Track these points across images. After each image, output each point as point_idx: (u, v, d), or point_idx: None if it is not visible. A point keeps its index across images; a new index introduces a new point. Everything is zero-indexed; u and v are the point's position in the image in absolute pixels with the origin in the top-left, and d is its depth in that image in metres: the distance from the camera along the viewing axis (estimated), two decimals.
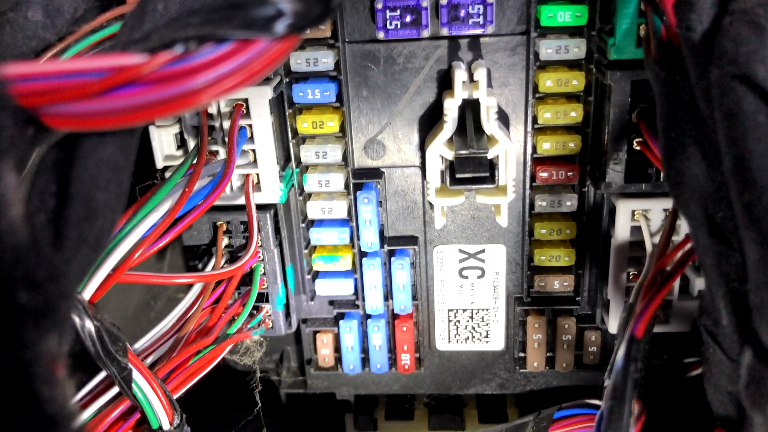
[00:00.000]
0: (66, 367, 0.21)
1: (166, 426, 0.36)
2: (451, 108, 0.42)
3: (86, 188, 0.23)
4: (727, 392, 0.33)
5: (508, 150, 0.42)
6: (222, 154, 0.43)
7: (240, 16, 0.22)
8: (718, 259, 0.30)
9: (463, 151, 0.41)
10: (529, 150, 0.46)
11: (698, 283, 0.46)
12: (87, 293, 0.34)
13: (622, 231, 0.44)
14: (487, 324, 0.52)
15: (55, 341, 0.20)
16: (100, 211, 0.23)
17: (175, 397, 0.39)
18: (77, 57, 0.36)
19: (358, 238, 0.48)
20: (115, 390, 0.36)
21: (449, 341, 0.53)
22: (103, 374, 0.36)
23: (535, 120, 0.45)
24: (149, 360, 0.40)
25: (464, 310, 0.51)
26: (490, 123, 0.42)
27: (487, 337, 0.52)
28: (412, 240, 0.50)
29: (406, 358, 0.52)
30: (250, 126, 0.43)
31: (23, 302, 0.19)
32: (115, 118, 0.22)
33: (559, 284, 0.49)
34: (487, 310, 0.51)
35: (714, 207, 0.29)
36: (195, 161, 0.39)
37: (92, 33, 0.37)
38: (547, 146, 0.45)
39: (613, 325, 0.47)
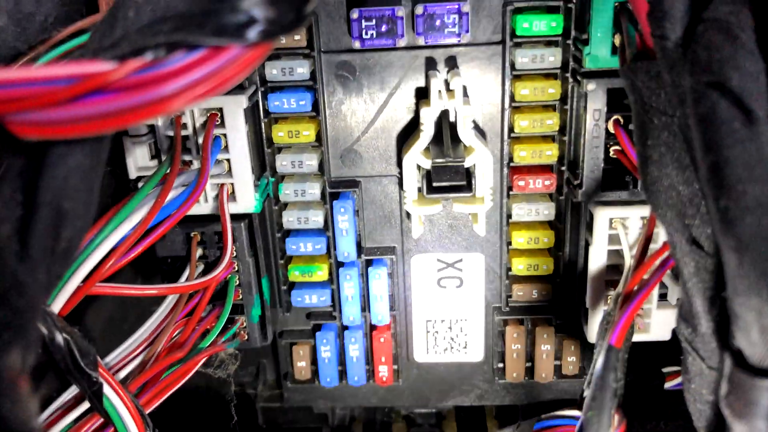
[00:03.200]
0: (30, 382, 0.20)
1: None
2: (427, 117, 0.42)
3: (54, 197, 0.22)
4: (707, 401, 0.33)
5: (485, 158, 0.42)
6: (196, 164, 0.43)
7: (212, 22, 0.22)
8: (696, 266, 0.30)
9: (440, 160, 0.41)
10: (506, 159, 0.46)
11: (677, 292, 0.46)
12: (56, 305, 0.33)
13: (599, 239, 0.44)
14: (465, 334, 0.51)
15: (18, 355, 0.19)
16: (68, 220, 0.23)
17: (147, 412, 0.38)
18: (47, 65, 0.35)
19: (335, 248, 0.48)
20: (86, 405, 0.35)
21: (427, 352, 0.52)
22: (73, 389, 0.35)
23: (511, 129, 0.45)
24: (121, 374, 0.39)
25: (442, 321, 0.51)
26: (466, 132, 0.42)
27: (465, 347, 0.52)
28: (389, 250, 0.49)
29: (383, 370, 0.51)
30: (225, 135, 0.42)
31: None
32: (83, 125, 0.21)
33: (538, 293, 0.49)
34: (465, 320, 0.51)
35: (691, 214, 0.29)
36: (168, 171, 0.39)
37: (64, 42, 0.36)
38: (524, 154, 0.45)
39: (592, 335, 0.47)
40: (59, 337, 0.31)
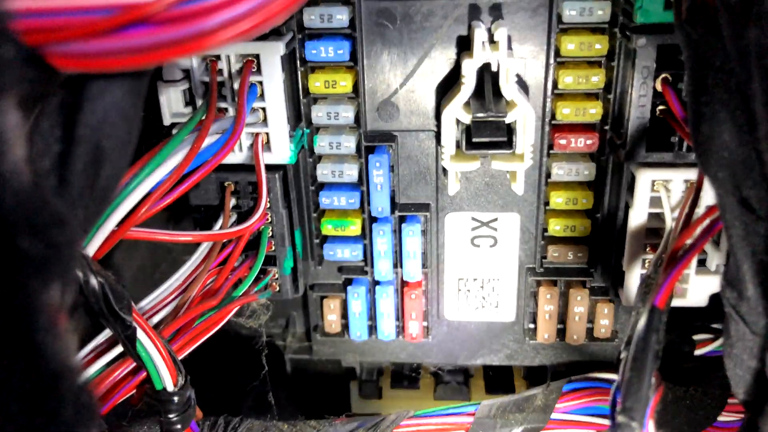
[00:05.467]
0: (69, 320, 0.20)
1: (170, 387, 0.36)
2: (469, 69, 0.41)
3: (93, 134, 0.22)
4: (748, 367, 0.32)
5: (527, 114, 0.41)
6: (231, 111, 0.42)
7: None
8: (745, 230, 0.29)
9: (481, 114, 0.40)
10: (548, 116, 0.44)
11: (716, 257, 0.45)
12: (91, 249, 0.33)
13: (640, 201, 0.43)
14: (497, 294, 0.51)
15: (57, 291, 0.19)
16: (106, 158, 0.22)
17: (180, 358, 0.38)
18: None
19: (369, 203, 0.47)
20: (119, 349, 0.35)
21: (458, 310, 0.52)
22: (106, 333, 0.36)
23: (555, 85, 0.44)
24: (153, 320, 0.39)
25: (475, 279, 0.51)
26: (509, 86, 0.40)
27: (497, 307, 0.51)
28: (423, 207, 0.49)
29: (413, 327, 0.51)
30: (261, 83, 0.42)
31: (24, 248, 0.18)
32: (123, 58, 0.20)
33: (573, 255, 0.48)
34: (498, 279, 0.50)
35: (743, 175, 0.28)
36: (204, 117, 0.38)
37: None
38: (567, 112, 0.43)
39: (627, 298, 0.46)
40: (94, 280, 0.31)
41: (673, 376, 0.48)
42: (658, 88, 0.41)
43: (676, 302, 0.45)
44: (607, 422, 0.44)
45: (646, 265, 0.45)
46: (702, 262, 0.46)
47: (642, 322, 0.30)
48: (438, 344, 0.53)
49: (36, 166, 0.21)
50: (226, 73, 0.41)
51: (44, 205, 0.19)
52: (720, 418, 0.47)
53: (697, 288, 0.45)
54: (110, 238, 0.34)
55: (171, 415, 0.37)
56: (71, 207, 0.21)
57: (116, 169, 0.22)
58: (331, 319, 0.52)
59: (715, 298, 0.46)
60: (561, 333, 0.51)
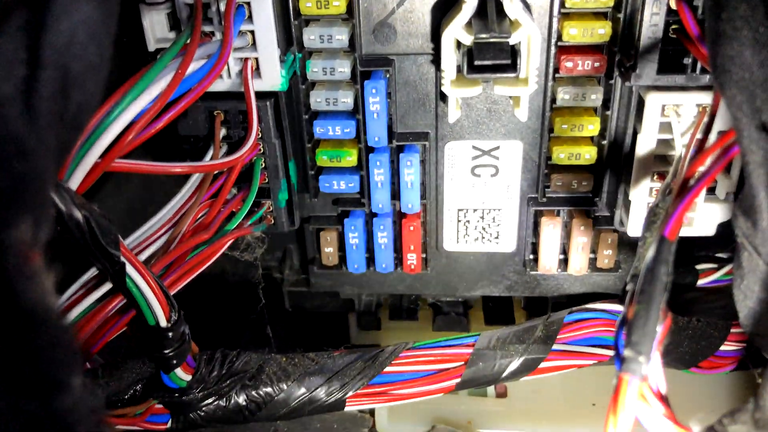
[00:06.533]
0: (45, 257, 0.19)
1: (162, 323, 0.35)
2: None
3: (60, 56, 0.20)
4: (759, 299, 0.31)
5: (533, 35, 0.39)
6: (218, 35, 0.40)
7: None
8: (764, 155, 0.28)
9: (483, 35, 0.38)
10: (554, 37, 0.42)
11: (726, 185, 0.43)
12: (74, 182, 0.32)
13: (649, 127, 0.41)
14: (498, 224, 0.49)
15: (27, 227, 0.17)
16: (77, 82, 0.20)
17: (172, 293, 0.37)
18: None
19: (365, 133, 0.45)
20: (108, 286, 0.34)
21: (457, 242, 0.51)
22: (94, 270, 0.34)
23: (562, 3, 0.41)
24: (144, 255, 0.38)
25: (474, 210, 0.49)
26: (513, 4, 0.38)
27: (497, 237, 0.50)
28: (422, 135, 0.47)
29: (412, 258, 0.50)
30: (249, 4, 0.39)
31: None
32: None
33: (578, 184, 0.46)
34: (499, 210, 0.49)
35: (764, 98, 0.27)
36: (188, 41, 0.36)
37: None
38: (574, 32, 0.41)
39: (633, 227, 0.44)
40: (77, 214, 0.29)
41: (676, 306, 0.47)
42: (672, 5, 0.38)
43: (682, 231, 0.44)
44: (609, 353, 0.43)
45: (653, 193, 0.44)
46: (711, 190, 0.45)
47: (651, 253, 0.28)
48: (437, 276, 0.53)
49: None
50: None
51: (7, 135, 0.17)
52: (721, 347, 0.46)
53: (705, 217, 0.44)
54: (94, 171, 0.32)
55: (165, 351, 0.36)
56: (39, 135, 0.19)
57: (88, 94, 0.21)
58: (328, 252, 0.51)
59: (720, 227, 0.45)
60: (563, 263, 0.50)
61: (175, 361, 0.37)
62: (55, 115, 0.20)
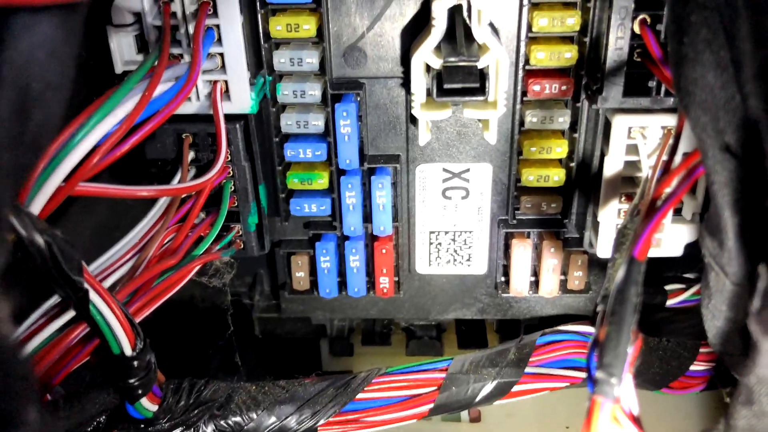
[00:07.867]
0: (1, 284, 0.18)
1: (127, 351, 0.34)
2: (439, 11, 0.38)
3: (19, 75, 0.19)
4: (726, 318, 0.31)
5: (501, 59, 0.39)
6: (187, 58, 0.39)
7: None
8: (728, 175, 0.28)
9: (452, 59, 0.38)
10: (522, 61, 0.42)
11: (692, 206, 0.44)
12: (36, 206, 0.31)
13: (616, 149, 0.42)
14: (469, 247, 0.49)
15: None
16: (37, 102, 0.20)
17: (138, 320, 0.36)
18: None
19: (336, 155, 0.45)
20: (71, 314, 0.33)
21: (430, 264, 0.50)
22: (56, 297, 0.33)
23: (529, 28, 0.41)
24: (109, 281, 0.37)
25: (446, 233, 0.49)
26: (481, 28, 0.38)
27: (469, 260, 0.50)
28: (393, 158, 0.47)
29: (384, 282, 0.50)
30: (218, 27, 0.39)
31: None
32: None
33: (547, 206, 0.46)
34: (470, 232, 0.49)
35: (727, 119, 0.27)
36: (156, 62, 0.35)
37: None
38: (542, 56, 0.41)
39: (602, 249, 0.45)
40: (39, 239, 0.28)
41: (646, 327, 0.47)
42: (636, 29, 0.39)
43: (651, 252, 0.45)
44: (581, 375, 0.43)
45: (621, 215, 0.44)
46: (677, 212, 0.45)
47: (620, 274, 0.28)
48: (410, 299, 0.52)
49: None
50: (180, 16, 0.39)
51: None
52: (691, 368, 0.47)
53: (672, 238, 0.44)
54: (57, 194, 0.31)
55: (131, 380, 0.35)
56: None
57: (48, 115, 0.20)
58: (299, 276, 0.50)
59: (687, 248, 0.45)
60: (534, 285, 0.50)
61: (140, 391, 0.36)
62: (13, 135, 0.19)
